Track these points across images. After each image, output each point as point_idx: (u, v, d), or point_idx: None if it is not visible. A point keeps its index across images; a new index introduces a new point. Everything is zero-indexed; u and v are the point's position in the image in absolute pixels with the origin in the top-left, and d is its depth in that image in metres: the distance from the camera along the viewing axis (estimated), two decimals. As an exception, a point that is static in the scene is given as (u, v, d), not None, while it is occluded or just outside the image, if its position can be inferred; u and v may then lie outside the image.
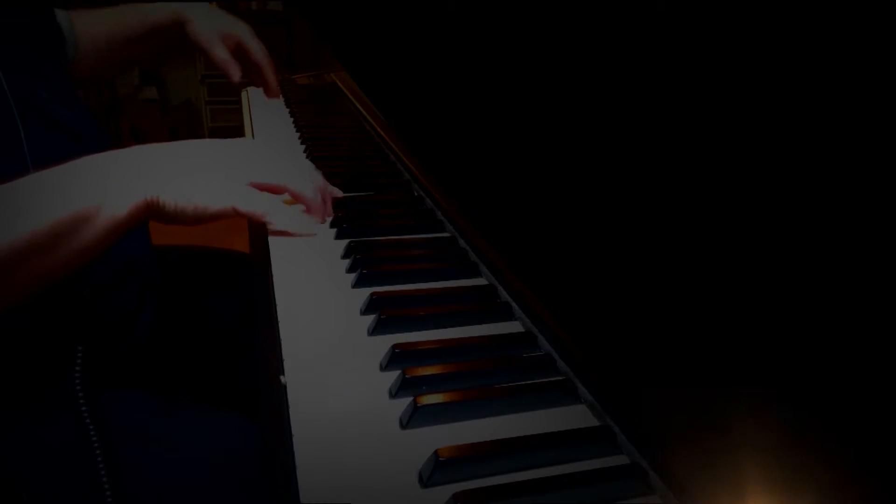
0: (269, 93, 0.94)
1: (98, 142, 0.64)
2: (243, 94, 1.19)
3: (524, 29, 0.52)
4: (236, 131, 0.91)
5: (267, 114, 1.03)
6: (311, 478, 0.35)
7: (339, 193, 0.69)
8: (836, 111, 0.28)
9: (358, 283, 0.54)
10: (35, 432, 0.55)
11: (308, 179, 0.60)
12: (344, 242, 0.60)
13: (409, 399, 0.40)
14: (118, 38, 0.91)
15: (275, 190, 0.57)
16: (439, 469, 0.35)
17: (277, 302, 0.51)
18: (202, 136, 3.16)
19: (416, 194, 0.74)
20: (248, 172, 0.55)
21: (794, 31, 0.30)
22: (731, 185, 0.33)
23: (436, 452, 0.36)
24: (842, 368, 0.28)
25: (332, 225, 0.64)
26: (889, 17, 0.26)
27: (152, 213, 0.51)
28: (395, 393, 0.41)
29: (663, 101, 0.38)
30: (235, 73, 0.89)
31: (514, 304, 0.52)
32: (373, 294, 0.51)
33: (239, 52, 0.92)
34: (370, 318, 0.49)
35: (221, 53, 0.89)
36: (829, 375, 0.28)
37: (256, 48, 0.92)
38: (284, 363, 0.44)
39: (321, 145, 0.91)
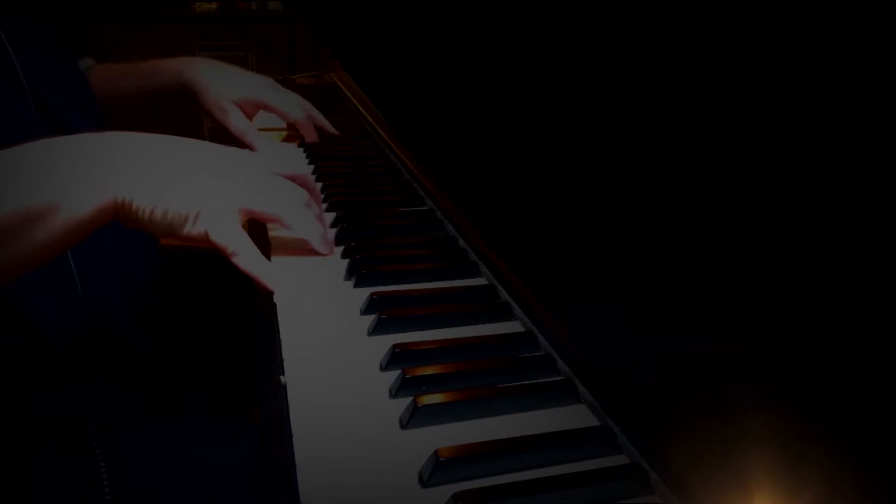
0: (308, 136, 0.90)
1: None
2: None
3: (524, 29, 0.52)
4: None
5: (267, 114, 1.03)
6: (311, 478, 0.35)
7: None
8: (835, 111, 0.28)
9: (358, 283, 0.54)
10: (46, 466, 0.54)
11: (301, 208, 0.55)
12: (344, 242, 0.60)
13: (409, 399, 0.40)
14: (124, 99, 0.88)
15: (265, 219, 0.54)
16: (439, 469, 0.35)
17: (277, 302, 0.51)
18: (201, 136, 3.17)
19: (416, 194, 0.74)
20: (236, 192, 0.50)
21: (794, 31, 0.30)
22: (729, 184, 0.33)
23: (436, 452, 0.35)
24: (843, 367, 0.28)
25: (332, 225, 0.64)
26: (889, 17, 0.26)
27: (122, 216, 0.46)
28: (395, 393, 0.41)
29: (662, 101, 0.38)
30: (255, 145, 0.84)
31: (514, 304, 0.52)
32: (373, 294, 0.51)
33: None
34: (370, 318, 0.49)
35: (238, 124, 0.83)
36: (831, 374, 0.28)
37: (282, 103, 0.87)
38: (284, 363, 0.44)
39: (321, 145, 0.91)
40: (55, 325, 0.57)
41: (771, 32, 0.31)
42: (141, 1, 2.86)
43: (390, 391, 0.42)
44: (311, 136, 0.90)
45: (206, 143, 0.52)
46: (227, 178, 0.50)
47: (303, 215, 0.55)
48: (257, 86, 0.87)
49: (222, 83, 0.85)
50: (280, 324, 0.48)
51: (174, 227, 0.47)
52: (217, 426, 0.62)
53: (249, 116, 0.86)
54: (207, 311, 0.80)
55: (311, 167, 0.82)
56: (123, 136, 0.48)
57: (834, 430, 0.28)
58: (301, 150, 0.90)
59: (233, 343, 0.78)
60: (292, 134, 0.93)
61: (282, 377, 0.43)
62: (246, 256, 0.50)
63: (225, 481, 0.55)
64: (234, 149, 0.54)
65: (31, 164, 0.44)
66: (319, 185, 0.76)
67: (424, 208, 0.71)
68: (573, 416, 0.41)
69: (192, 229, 0.48)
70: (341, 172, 0.80)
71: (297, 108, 0.88)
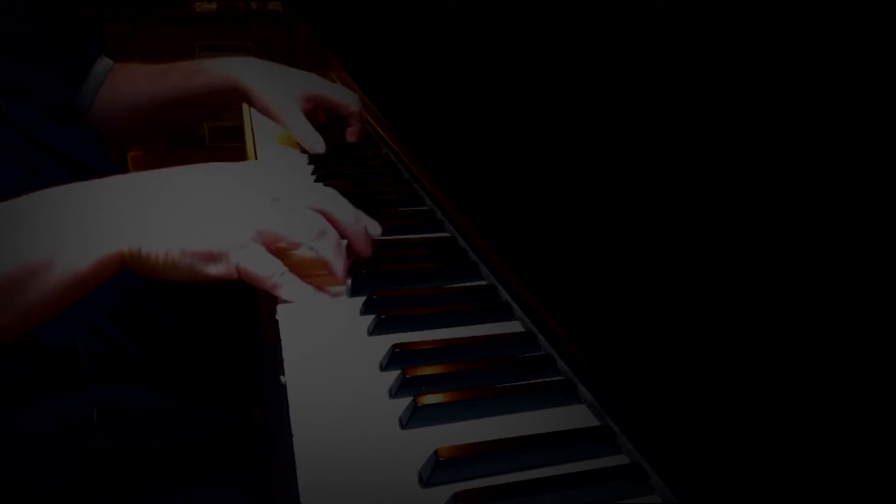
0: (350, 135, 0.87)
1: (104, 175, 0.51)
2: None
3: (524, 29, 0.52)
4: (236, 130, 0.90)
5: (259, 115, 1.03)
6: (311, 478, 0.35)
7: (376, 230, 0.55)
8: (835, 111, 0.28)
9: (357, 283, 0.54)
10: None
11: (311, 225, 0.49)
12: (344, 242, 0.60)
13: (409, 399, 0.40)
14: (161, 99, 0.83)
15: (285, 245, 0.48)
16: (439, 469, 0.35)
17: (278, 302, 0.51)
18: (201, 135, 3.16)
19: (416, 194, 0.74)
20: (255, 216, 0.46)
21: (795, 32, 0.30)
22: (731, 184, 0.33)
23: (436, 452, 0.36)
24: (843, 367, 0.28)
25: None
26: (889, 17, 0.26)
27: (132, 266, 0.43)
28: (395, 393, 0.41)
29: (662, 101, 0.38)
30: (318, 146, 0.81)
31: (514, 304, 0.52)
32: (372, 294, 0.51)
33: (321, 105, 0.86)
34: (370, 318, 0.49)
35: (298, 126, 0.81)
36: (831, 374, 0.28)
37: (340, 95, 0.84)
38: (284, 363, 0.44)
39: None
40: (48, 333, 0.57)
41: (770, 32, 0.31)
42: (141, 1, 2.86)
43: (390, 391, 0.42)
44: (359, 132, 0.88)
45: (205, 168, 0.48)
46: (236, 202, 0.46)
47: (322, 240, 0.49)
48: (310, 81, 0.85)
49: (272, 82, 0.82)
50: (280, 324, 0.48)
51: (195, 267, 0.44)
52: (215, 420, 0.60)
53: (308, 113, 0.84)
54: (206, 312, 0.79)
55: (311, 167, 0.82)
56: (117, 180, 0.46)
57: (835, 429, 0.28)
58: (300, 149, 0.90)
59: (233, 343, 0.78)
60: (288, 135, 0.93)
61: (282, 377, 0.43)
62: (289, 285, 0.48)
63: (225, 480, 0.55)
64: (236, 165, 0.50)
65: (20, 221, 0.41)
66: (319, 185, 0.76)
67: (424, 208, 0.71)
68: (573, 416, 0.41)
69: (221, 266, 0.44)
70: (341, 172, 0.80)
71: (354, 100, 0.86)
